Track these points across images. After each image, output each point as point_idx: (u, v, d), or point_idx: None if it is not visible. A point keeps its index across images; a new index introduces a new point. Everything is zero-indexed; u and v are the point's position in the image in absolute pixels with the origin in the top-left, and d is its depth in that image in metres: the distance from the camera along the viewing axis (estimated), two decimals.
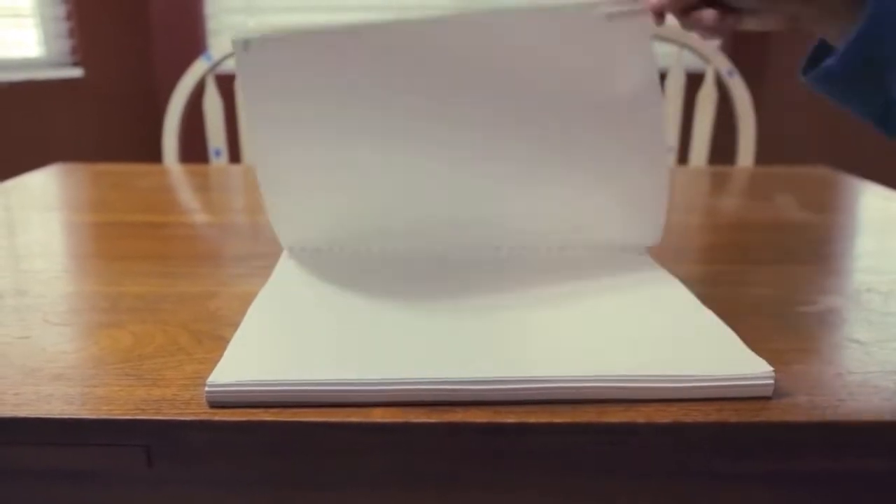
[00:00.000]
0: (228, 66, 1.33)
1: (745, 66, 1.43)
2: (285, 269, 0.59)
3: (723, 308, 0.50)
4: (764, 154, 1.43)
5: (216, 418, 0.38)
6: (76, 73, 2.36)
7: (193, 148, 1.39)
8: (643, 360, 0.42)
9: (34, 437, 0.39)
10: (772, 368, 0.41)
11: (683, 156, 1.36)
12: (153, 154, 1.42)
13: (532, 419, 0.38)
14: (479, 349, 0.44)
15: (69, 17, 2.35)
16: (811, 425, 0.39)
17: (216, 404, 0.39)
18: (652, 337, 0.46)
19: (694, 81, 1.31)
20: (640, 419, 0.38)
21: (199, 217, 0.82)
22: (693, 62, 1.32)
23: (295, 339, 0.45)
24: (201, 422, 0.38)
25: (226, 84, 1.37)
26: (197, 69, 1.31)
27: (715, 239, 0.75)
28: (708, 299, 0.52)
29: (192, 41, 2.63)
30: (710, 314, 0.49)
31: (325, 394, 0.39)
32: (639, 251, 0.63)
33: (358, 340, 0.45)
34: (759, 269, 0.63)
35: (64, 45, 2.36)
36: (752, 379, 0.40)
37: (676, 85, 1.33)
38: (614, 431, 0.38)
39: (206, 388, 0.39)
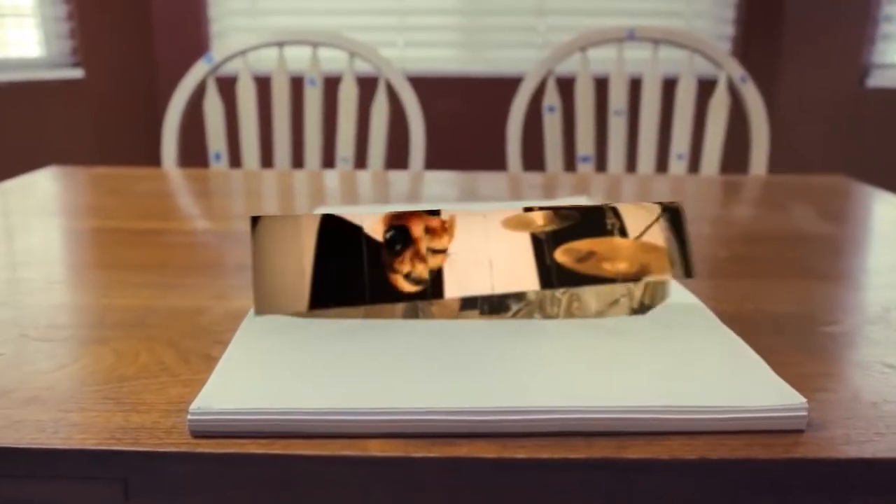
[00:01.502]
0: (229, 68, 1.31)
1: (757, 72, 1.40)
2: None
3: (740, 327, 0.47)
4: (777, 162, 1.40)
5: (199, 449, 0.35)
6: (76, 73, 2.36)
7: (193, 151, 1.37)
8: (665, 390, 0.39)
9: (0, 467, 0.36)
10: (805, 400, 0.38)
11: (695, 164, 1.33)
12: (152, 156, 1.41)
13: (544, 454, 0.35)
14: (485, 376, 0.41)
15: (70, 17, 2.35)
16: (849, 462, 0.36)
17: (199, 433, 0.36)
18: (674, 363, 0.43)
19: (706, 88, 1.28)
20: (663, 454, 0.35)
21: (198, 224, 0.79)
22: (705, 68, 1.29)
23: (287, 364, 0.42)
24: (183, 453, 0.35)
25: (227, 87, 1.35)
26: (198, 71, 1.29)
27: (728, 251, 0.72)
28: (724, 317, 0.49)
29: (193, 43, 2.62)
30: (734, 336, 0.46)
31: (319, 424, 0.36)
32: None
33: (355, 366, 0.42)
34: (776, 284, 0.60)
35: (64, 46, 2.36)
36: (784, 411, 0.37)
37: (688, 91, 1.30)
38: (634, 468, 0.36)
39: (189, 416, 0.36)
